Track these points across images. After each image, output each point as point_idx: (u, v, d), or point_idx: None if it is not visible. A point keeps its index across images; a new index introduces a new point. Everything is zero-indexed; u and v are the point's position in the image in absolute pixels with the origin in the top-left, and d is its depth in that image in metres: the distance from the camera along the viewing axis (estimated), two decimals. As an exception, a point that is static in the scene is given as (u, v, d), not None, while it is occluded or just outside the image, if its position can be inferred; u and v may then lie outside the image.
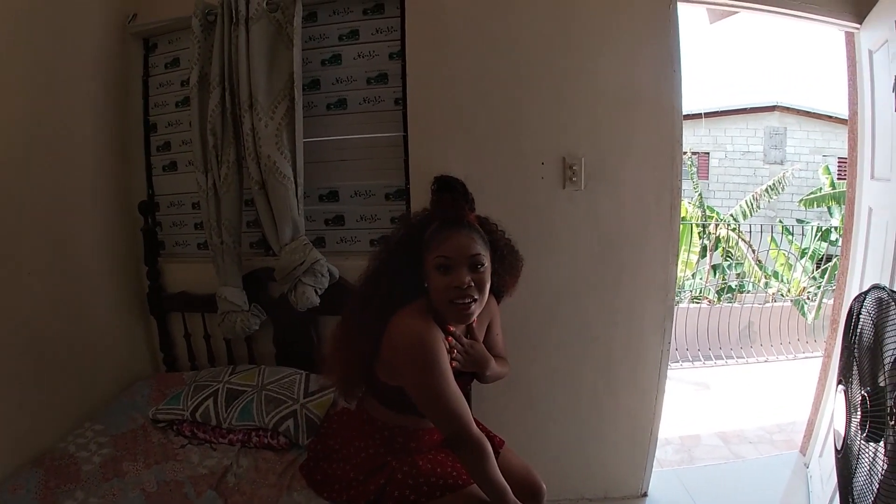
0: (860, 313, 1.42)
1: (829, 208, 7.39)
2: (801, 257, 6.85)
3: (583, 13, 1.97)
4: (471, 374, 1.51)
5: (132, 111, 2.29)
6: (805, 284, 6.61)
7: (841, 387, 1.49)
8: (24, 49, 1.79)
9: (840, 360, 1.54)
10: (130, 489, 1.57)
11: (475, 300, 1.32)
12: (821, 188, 7.63)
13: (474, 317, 1.36)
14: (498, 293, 1.55)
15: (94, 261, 2.11)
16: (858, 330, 1.42)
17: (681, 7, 1.99)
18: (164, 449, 1.77)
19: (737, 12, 2.97)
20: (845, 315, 1.57)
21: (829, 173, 7.64)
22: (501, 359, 1.62)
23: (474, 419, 1.36)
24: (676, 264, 2.10)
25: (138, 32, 2.24)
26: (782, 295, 6.59)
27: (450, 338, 1.39)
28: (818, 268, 6.76)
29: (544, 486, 1.57)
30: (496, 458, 1.56)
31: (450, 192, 1.39)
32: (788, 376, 4.29)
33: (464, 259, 1.30)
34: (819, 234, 6.88)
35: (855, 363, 1.42)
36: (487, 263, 1.35)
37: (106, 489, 1.56)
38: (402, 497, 1.39)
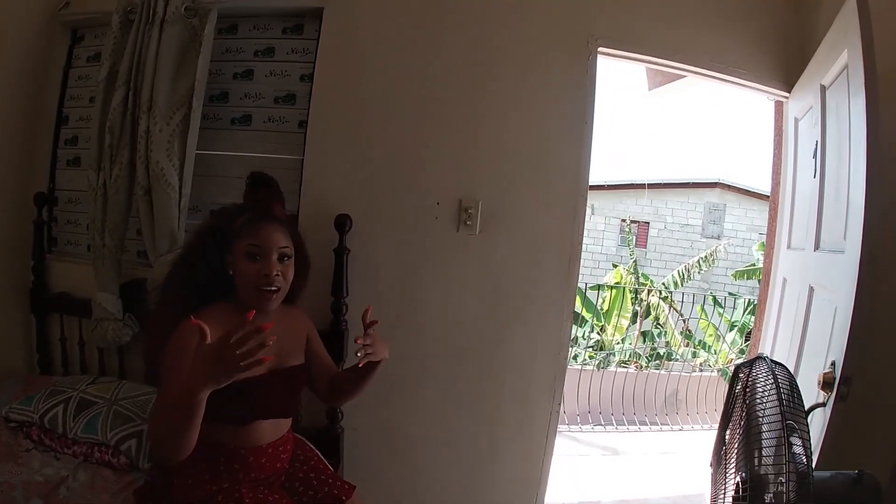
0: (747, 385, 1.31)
1: (760, 282, 7.64)
2: (731, 329, 7.02)
3: (499, 57, 1.99)
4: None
5: (47, 99, 2.23)
6: (732, 356, 6.76)
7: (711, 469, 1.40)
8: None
9: (716, 438, 1.45)
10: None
11: (279, 289, 1.38)
12: (754, 263, 7.90)
13: (276, 305, 1.39)
14: (293, 294, 1.53)
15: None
16: (732, 405, 1.35)
17: (614, 65, 2.06)
18: (9, 450, 1.71)
19: (674, 80, 3.08)
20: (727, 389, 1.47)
21: (764, 249, 7.92)
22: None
23: None
24: (571, 322, 2.07)
25: (67, 21, 2.20)
26: (709, 365, 6.71)
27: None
28: (746, 340, 6.95)
29: None
30: None
31: (265, 187, 1.48)
32: (705, 446, 4.24)
33: (273, 249, 1.37)
34: (749, 307, 7.08)
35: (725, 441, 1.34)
36: (292, 258, 1.42)
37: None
38: None
